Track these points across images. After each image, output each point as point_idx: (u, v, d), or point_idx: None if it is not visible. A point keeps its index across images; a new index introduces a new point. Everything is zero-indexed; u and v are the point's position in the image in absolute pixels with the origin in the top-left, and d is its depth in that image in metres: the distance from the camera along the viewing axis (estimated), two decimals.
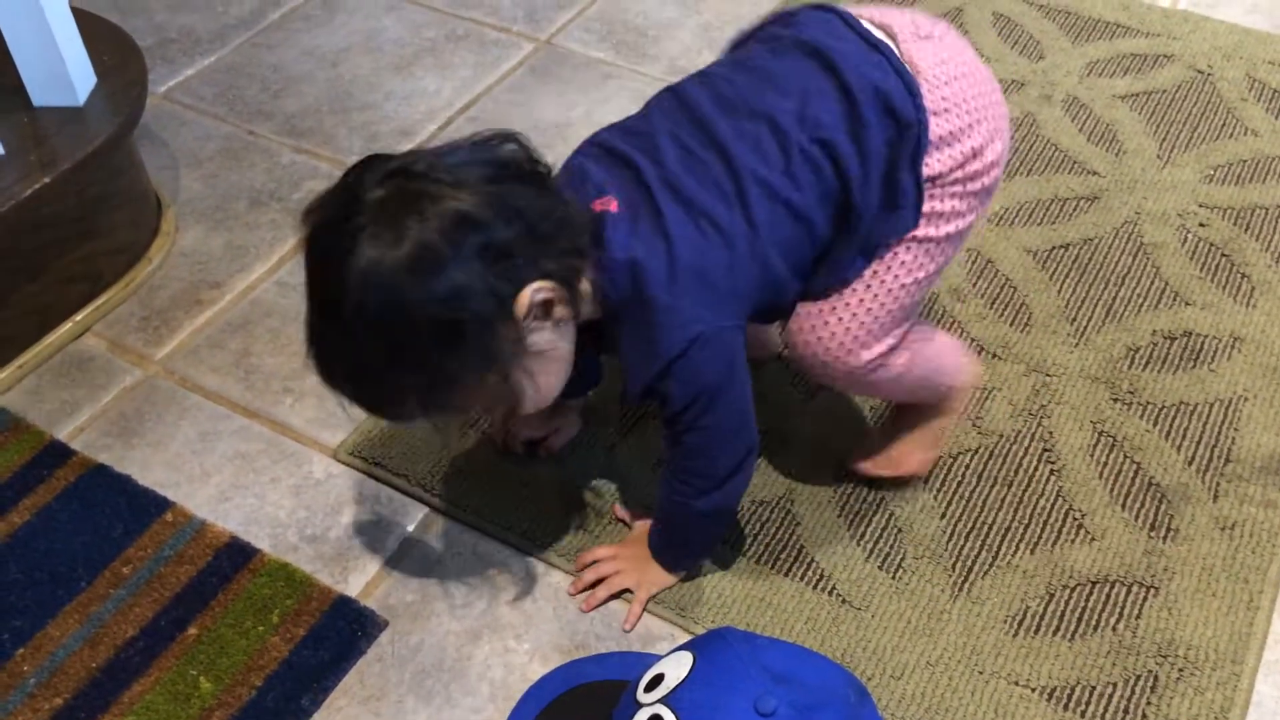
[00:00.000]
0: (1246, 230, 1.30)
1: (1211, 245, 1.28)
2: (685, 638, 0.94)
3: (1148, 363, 1.16)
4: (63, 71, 1.18)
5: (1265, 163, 1.39)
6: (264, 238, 1.34)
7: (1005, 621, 0.96)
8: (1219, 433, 1.10)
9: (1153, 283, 1.25)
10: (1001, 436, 1.10)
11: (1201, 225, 1.30)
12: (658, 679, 0.77)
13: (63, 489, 1.06)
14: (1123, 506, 1.04)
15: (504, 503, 1.04)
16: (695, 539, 0.96)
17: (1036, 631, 0.95)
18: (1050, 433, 1.10)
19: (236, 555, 1.01)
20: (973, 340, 1.19)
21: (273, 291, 1.28)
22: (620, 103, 1.52)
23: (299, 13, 1.69)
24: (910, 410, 1.02)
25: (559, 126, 1.49)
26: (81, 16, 1.25)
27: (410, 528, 1.04)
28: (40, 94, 1.21)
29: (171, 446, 1.12)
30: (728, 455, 0.87)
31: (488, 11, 1.69)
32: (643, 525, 0.99)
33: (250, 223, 1.36)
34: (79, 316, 1.23)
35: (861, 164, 0.82)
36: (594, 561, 0.98)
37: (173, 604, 0.97)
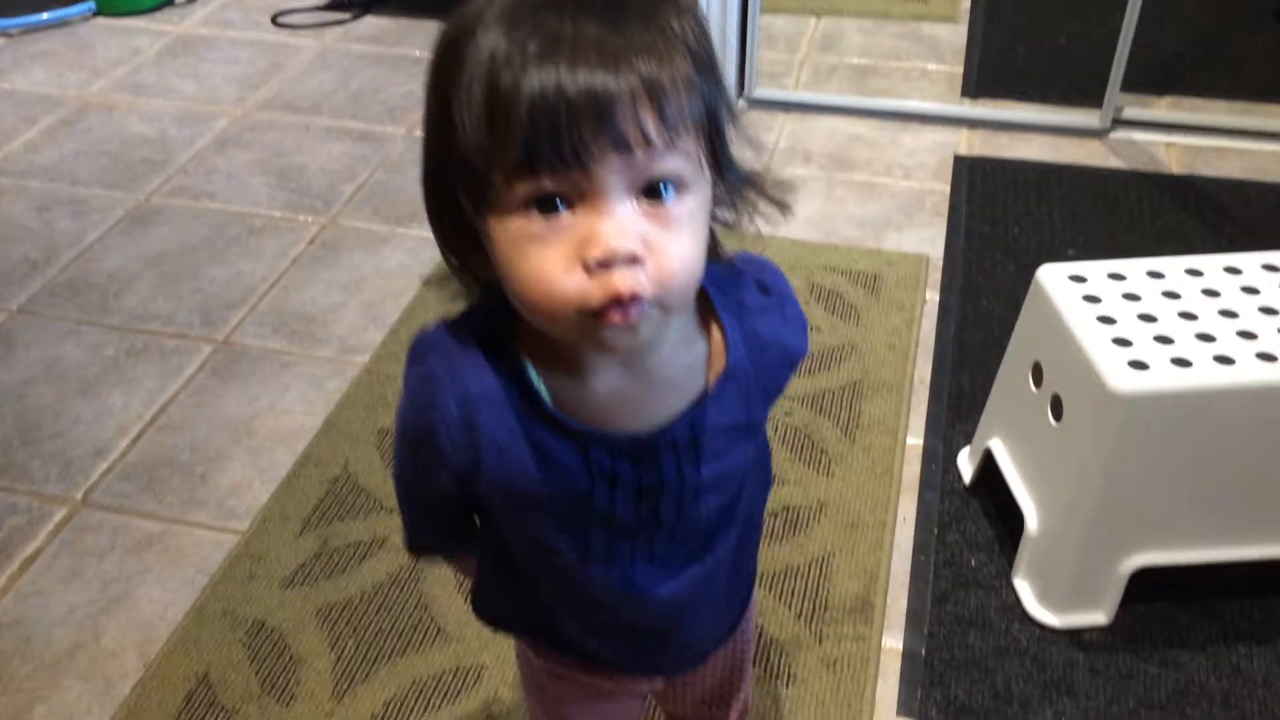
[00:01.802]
0: (821, 412, 1.65)
1: (795, 430, 1.61)
2: None
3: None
4: None
5: (830, 351, 1.75)
6: None
7: None
8: (817, 586, 1.39)
9: None
10: None
11: (786, 415, 1.64)
12: None
13: None
14: (755, 664, 1.30)
15: None
16: None
17: None
18: None
19: None
20: None
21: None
22: (301, 389, 1.72)
23: None
24: None
25: (245, 421, 1.66)
26: None
27: None
28: None
29: None
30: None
31: (164, 321, 1.85)
32: None
33: None
34: None
35: None
36: None
37: None
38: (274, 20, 2.76)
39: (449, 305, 0.73)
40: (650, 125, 0.56)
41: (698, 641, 0.83)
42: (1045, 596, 1.35)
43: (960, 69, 2.56)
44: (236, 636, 1.35)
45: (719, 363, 0.69)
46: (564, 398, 0.67)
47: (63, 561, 1.45)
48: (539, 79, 0.55)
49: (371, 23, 2.76)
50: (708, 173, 0.62)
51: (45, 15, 2.71)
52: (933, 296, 1.88)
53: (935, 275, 1.93)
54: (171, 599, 1.40)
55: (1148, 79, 2.42)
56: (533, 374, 0.67)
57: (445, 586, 1.40)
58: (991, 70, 2.55)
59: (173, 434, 1.64)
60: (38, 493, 1.54)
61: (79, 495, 1.54)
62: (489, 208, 0.59)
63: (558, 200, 0.57)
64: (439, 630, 1.35)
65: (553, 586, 0.77)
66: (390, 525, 1.48)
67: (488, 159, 0.57)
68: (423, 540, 0.84)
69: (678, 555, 0.75)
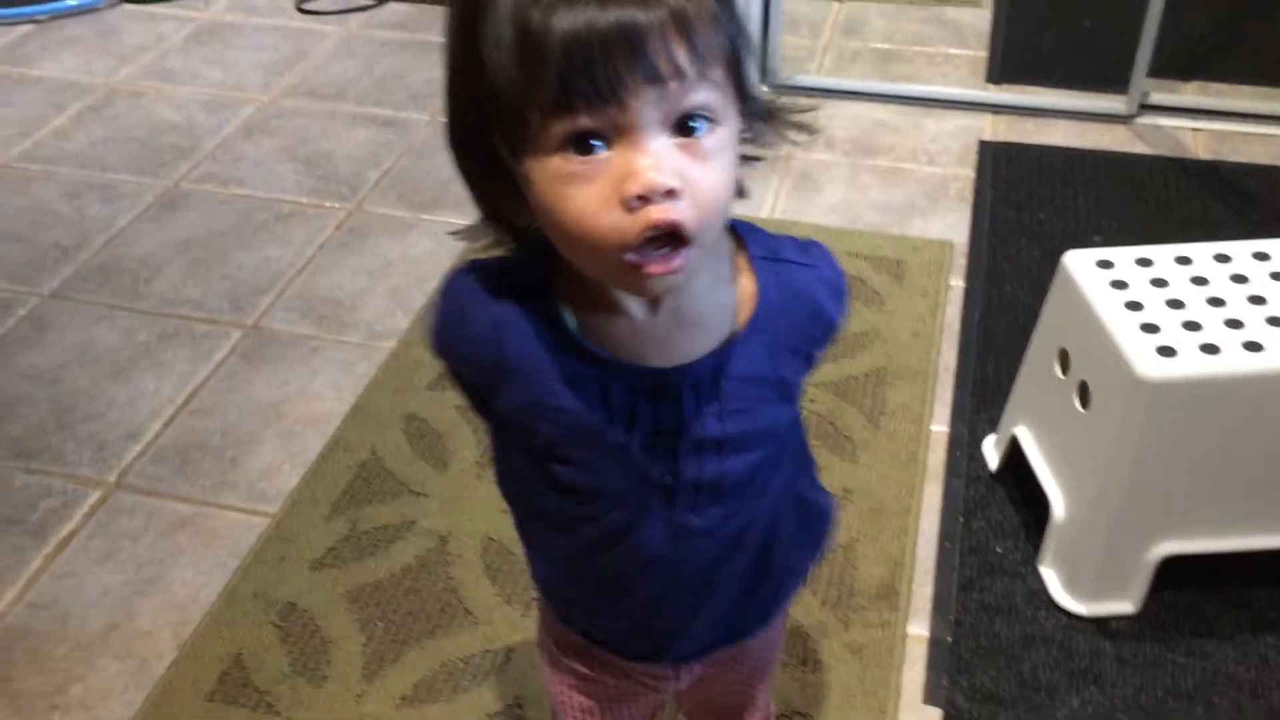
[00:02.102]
0: (845, 399, 1.65)
1: (819, 416, 1.62)
2: None
3: None
4: None
5: (854, 338, 1.76)
6: (8, 564, 1.45)
7: None
8: (843, 572, 1.40)
9: None
10: None
11: (811, 401, 1.64)
12: None
13: None
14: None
15: None
16: None
17: None
18: None
19: None
20: None
21: (25, 615, 1.38)
22: (330, 374, 1.73)
23: (11, 336, 1.81)
24: None
25: (274, 405, 1.68)
26: None
27: None
28: None
29: None
30: None
31: (194, 306, 1.87)
32: None
33: None
34: None
35: None
36: None
37: None
38: (298, 7, 2.77)
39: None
40: (682, 56, 0.58)
41: (700, 628, 0.82)
42: (1072, 584, 1.35)
43: (984, 54, 2.55)
44: (268, 618, 1.37)
45: (749, 309, 0.70)
46: (591, 329, 0.69)
47: (97, 543, 1.47)
48: (569, 16, 0.56)
49: (395, 9, 2.77)
50: (735, 105, 0.63)
51: (73, 1, 2.73)
52: (957, 283, 1.88)
53: (960, 261, 1.93)
54: (204, 581, 1.42)
55: (1173, 64, 2.40)
56: (562, 306, 0.69)
57: (473, 570, 1.42)
58: (1016, 55, 2.54)
59: (204, 418, 1.66)
60: (72, 475, 1.56)
61: (113, 478, 1.56)
62: (526, 150, 0.60)
63: (594, 138, 0.59)
64: (467, 613, 1.37)
65: (564, 536, 0.77)
66: (418, 509, 1.50)
67: (522, 98, 0.58)
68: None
69: (695, 525, 0.74)
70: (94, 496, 1.53)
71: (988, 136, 2.28)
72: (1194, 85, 2.41)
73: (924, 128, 2.30)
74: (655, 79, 0.57)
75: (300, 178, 2.17)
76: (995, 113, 2.35)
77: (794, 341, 0.72)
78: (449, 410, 1.64)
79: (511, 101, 0.59)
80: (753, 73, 0.65)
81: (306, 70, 2.53)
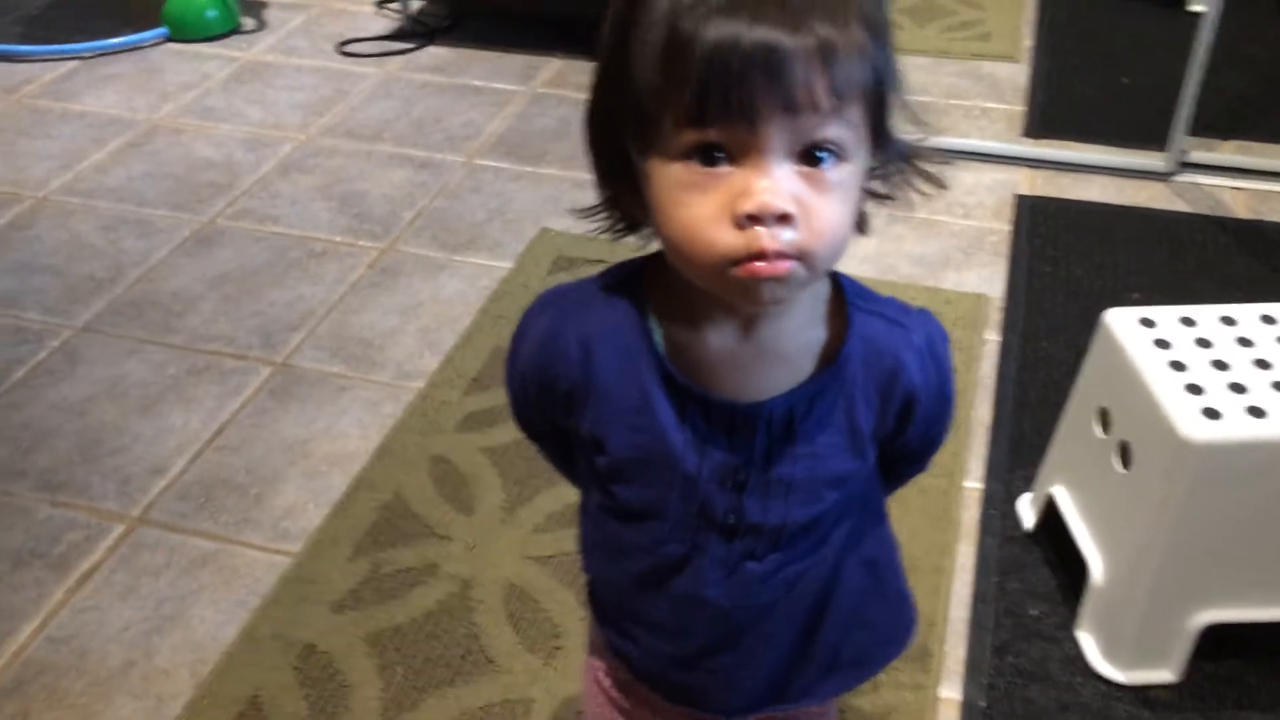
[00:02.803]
0: None
1: None
2: None
3: None
4: None
5: None
6: (29, 597, 1.44)
7: None
8: None
9: None
10: None
11: None
12: None
13: None
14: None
15: None
16: None
17: None
18: None
19: None
20: None
21: (43, 649, 1.37)
22: (357, 413, 1.73)
23: (43, 367, 1.81)
24: None
25: (301, 443, 1.67)
26: None
27: None
28: None
29: None
30: None
31: (225, 342, 1.87)
32: None
33: (13, 584, 1.45)
34: None
35: None
36: None
37: None
38: (339, 49, 2.80)
39: (506, 335, 0.75)
40: (820, 89, 0.57)
41: (748, 680, 0.80)
42: (1110, 651, 1.31)
43: (1021, 108, 2.54)
44: (287, 660, 1.35)
45: (833, 353, 0.69)
46: (677, 350, 0.69)
47: (119, 578, 1.46)
48: (718, 29, 0.56)
49: (434, 53, 2.79)
50: (867, 143, 0.62)
51: (118, 40, 2.78)
52: (992, 337, 1.86)
53: (995, 315, 1.90)
54: (224, 619, 1.41)
55: (1213, 122, 2.38)
56: (653, 321, 0.69)
57: (495, 617, 1.39)
58: (1053, 110, 2.53)
59: (230, 454, 1.65)
60: (96, 509, 1.56)
61: (136, 513, 1.55)
62: (652, 150, 0.61)
63: (719, 151, 0.59)
64: (488, 661, 1.34)
65: (626, 564, 0.76)
66: (441, 553, 1.48)
67: (659, 103, 0.59)
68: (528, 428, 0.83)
69: (751, 569, 0.73)
70: (117, 531, 1.52)
71: (1024, 191, 2.26)
72: (1233, 144, 2.39)
73: (959, 181, 2.29)
74: (789, 108, 0.57)
75: (335, 216, 2.18)
76: (1032, 167, 2.34)
77: (870, 395, 0.71)
78: (475, 453, 1.63)
79: (648, 103, 0.60)
80: (898, 113, 0.65)
81: (345, 110, 2.55)
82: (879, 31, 0.60)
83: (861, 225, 0.67)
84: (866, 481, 0.77)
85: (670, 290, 0.67)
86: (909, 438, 0.75)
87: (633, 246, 0.73)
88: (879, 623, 0.82)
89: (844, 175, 0.61)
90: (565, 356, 0.70)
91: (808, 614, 0.77)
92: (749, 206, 0.58)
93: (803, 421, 0.69)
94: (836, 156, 0.60)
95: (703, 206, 0.59)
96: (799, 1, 0.57)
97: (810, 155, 0.59)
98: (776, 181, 0.58)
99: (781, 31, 0.56)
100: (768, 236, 0.58)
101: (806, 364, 0.69)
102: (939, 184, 0.69)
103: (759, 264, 0.59)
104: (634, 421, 0.69)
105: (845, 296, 0.70)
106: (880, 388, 0.71)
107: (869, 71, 0.60)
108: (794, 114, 0.57)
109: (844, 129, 0.59)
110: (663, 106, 0.59)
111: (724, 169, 0.59)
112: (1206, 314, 1.33)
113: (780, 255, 0.59)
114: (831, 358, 0.69)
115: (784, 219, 0.58)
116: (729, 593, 0.74)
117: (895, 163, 0.66)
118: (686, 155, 0.59)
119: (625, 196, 0.67)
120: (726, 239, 0.59)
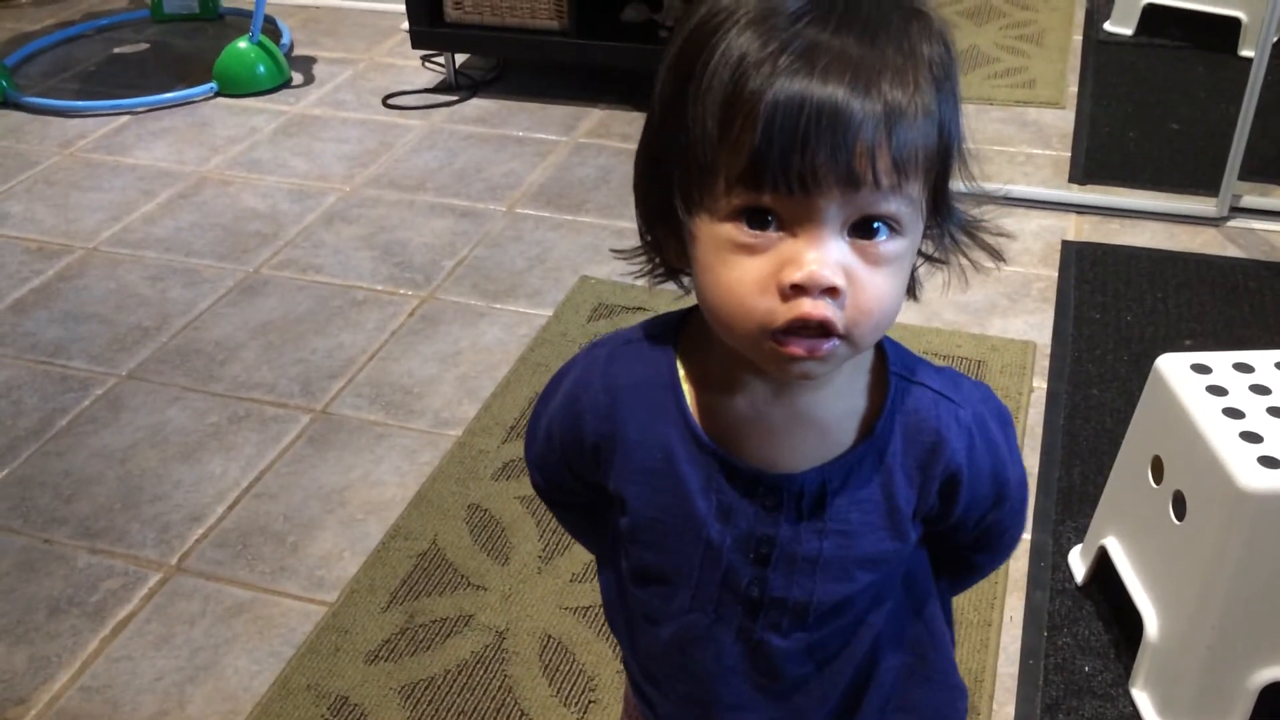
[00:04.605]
0: None
1: None
2: None
3: None
4: None
5: None
6: (66, 645, 1.43)
7: None
8: None
9: None
10: None
11: None
12: None
13: None
14: None
15: None
16: None
17: None
18: None
19: None
20: None
21: (77, 698, 1.37)
22: (394, 461, 1.72)
23: (85, 415, 1.83)
24: None
25: (338, 491, 1.66)
26: None
27: None
28: None
29: None
30: None
31: (265, 390, 1.88)
32: None
33: (51, 632, 1.45)
34: None
35: None
36: None
37: None
38: (385, 101, 2.84)
39: (544, 383, 0.73)
40: (883, 164, 0.55)
41: None
42: (1167, 709, 1.26)
43: (1068, 154, 2.51)
44: (319, 711, 1.33)
45: (872, 425, 0.66)
46: (707, 411, 0.66)
47: (154, 627, 1.46)
48: (785, 87, 0.54)
49: (478, 104, 2.83)
50: (925, 216, 0.60)
51: (170, 95, 2.84)
52: (1040, 385, 1.81)
53: (1043, 363, 1.86)
54: (257, 669, 1.39)
55: (1265, 167, 2.33)
56: (682, 378, 0.66)
57: (530, 669, 1.37)
58: (1100, 156, 2.49)
59: (268, 502, 1.65)
60: (134, 556, 1.56)
61: (174, 560, 1.55)
62: (701, 206, 0.58)
63: (770, 215, 0.56)
64: (522, 714, 1.32)
65: (645, 634, 0.73)
66: (477, 603, 1.46)
67: (714, 160, 0.57)
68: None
69: (776, 644, 0.69)
70: (154, 579, 1.52)
71: (1071, 237, 2.22)
72: None
73: (1004, 227, 2.25)
74: (849, 183, 0.55)
75: (377, 265, 2.20)
76: (1079, 213, 2.30)
77: (911, 471, 0.66)
78: (512, 502, 1.61)
79: (701, 159, 0.57)
80: (959, 181, 0.62)
81: (389, 162, 2.58)
82: (947, 87, 0.58)
83: (913, 290, 0.64)
84: (910, 562, 0.72)
85: (705, 348, 0.65)
86: (961, 521, 0.71)
87: (673, 294, 0.70)
88: (924, 707, 0.77)
89: (897, 249, 0.58)
90: (593, 406, 0.68)
91: (844, 695, 0.73)
92: (796, 277, 0.56)
93: (836, 496, 0.65)
94: (892, 230, 0.57)
95: (747, 271, 0.57)
96: (871, 60, 0.54)
97: (865, 227, 0.57)
98: (826, 253, 0.56)
99: (850, 92, 0.54)
100: (811, 304, 0.56)
101: (844, 436, 0.66)
102: (998, 256, 0.66)
103: (796, 348, 0.57)
104: (656, 481, 0.66)
105: (888, 364, 0.67)
106: (920, 463, 0.66)
107: (933, 134, 0.58)
108: (852, 190, 0.55)
109: (902, 205, 0.57)
110: (716, 164, 0.56)
111: (774, 234, 0.56)
112: (1262, 359, 1.29)
113: (821, 332, 0.56)
114: (870, 430, 0.66)
115: (831, 291, 0.56)
116: (755, 666, 0.70)
117: (954, 232, 0.64)
118: (735, 216, 0.57)
119: (666, 241, 0.64)
120: (767, 306, 0.57)
